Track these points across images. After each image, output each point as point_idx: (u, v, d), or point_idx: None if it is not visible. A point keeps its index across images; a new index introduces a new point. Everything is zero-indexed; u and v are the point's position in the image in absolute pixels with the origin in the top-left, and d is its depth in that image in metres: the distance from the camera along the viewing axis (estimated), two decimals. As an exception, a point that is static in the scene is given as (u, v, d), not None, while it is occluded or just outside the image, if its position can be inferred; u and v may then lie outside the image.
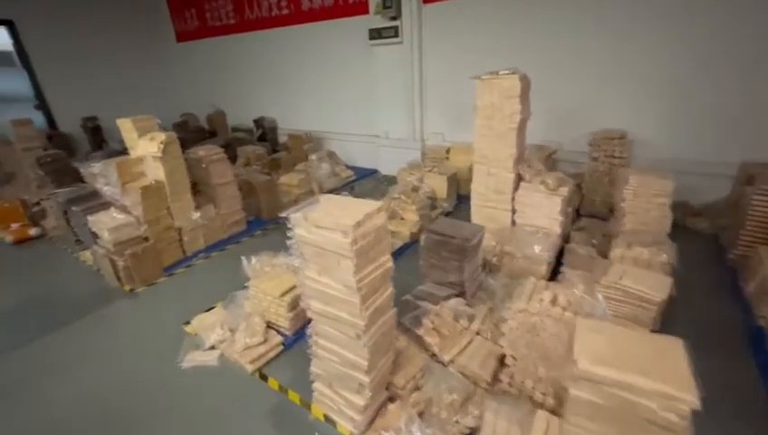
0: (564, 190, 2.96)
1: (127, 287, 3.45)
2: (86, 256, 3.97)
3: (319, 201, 1.76)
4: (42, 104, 7.22)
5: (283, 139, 7.62)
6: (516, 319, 2.05)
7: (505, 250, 3.01)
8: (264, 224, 4.63)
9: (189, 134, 6.90)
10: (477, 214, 3.34)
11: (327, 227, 1.58)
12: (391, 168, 6.13)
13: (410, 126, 5.68)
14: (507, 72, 2.82)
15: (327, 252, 1.62)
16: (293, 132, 6.79)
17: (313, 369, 2.04)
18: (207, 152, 3.92)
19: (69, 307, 3.29)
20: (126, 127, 3.53)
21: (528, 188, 3.04)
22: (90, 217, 3.37)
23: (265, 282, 2.70)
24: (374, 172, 6.44)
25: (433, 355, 2.28)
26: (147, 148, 3.39)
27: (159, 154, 3.35)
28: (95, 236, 3.39)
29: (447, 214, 4.48)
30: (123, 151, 4.20)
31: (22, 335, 2.97)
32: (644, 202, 3.01)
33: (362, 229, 1.57)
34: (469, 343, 2.31)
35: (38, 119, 7.20)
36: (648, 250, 2.71)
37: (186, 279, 3.60)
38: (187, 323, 2.94)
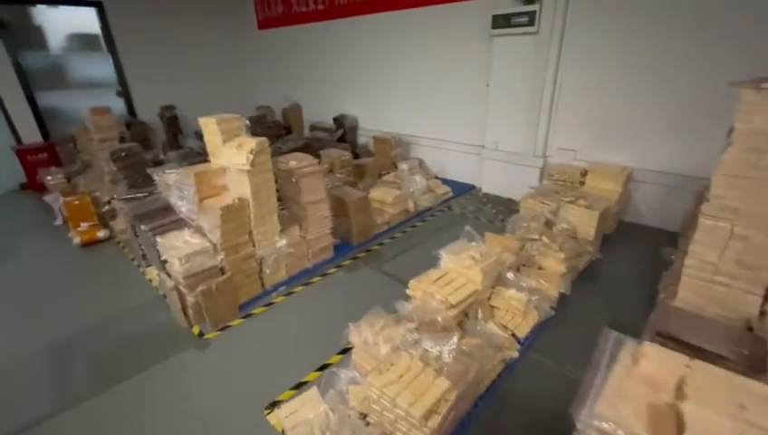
0: None
1: (196, 330, 2.76)
2: (152, 274, 3.37)
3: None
4: (124, 91, 6.99)
5: (362, 140, 6.85)
6: None
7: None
8: (353, 249, 3.80)
9: (267, 130, 6.31)
10: (690, 289, 2.23)
11: None
12: (495, 185, 5.09)
13: (530, 138, 4.57)
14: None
15: None
16: (379, 134, 5.94)
17: None
18: (299, 163, 3.13)
19: (128, 345, 2.65)
20: (209, 128, 2.82)
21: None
22: (159, 239, 2.71)
23: (391, 385, 1.81)
24: (471, 188, 5.41)
25: None
26: (232, 157, 2.65)
27: (248, 167, 2.60)
28: (164, 261, 2.73)
29: (593, 265, 3.37)
30: (200, 153, 3.56)
31: (71, 387, 2.35)
32: None
33: None
34: None
35: (119, 106, 6.99)
36: None
37: (265, 325, 2.85)
38: (271, 407, 2.14)
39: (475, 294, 2.58)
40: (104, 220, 4.38)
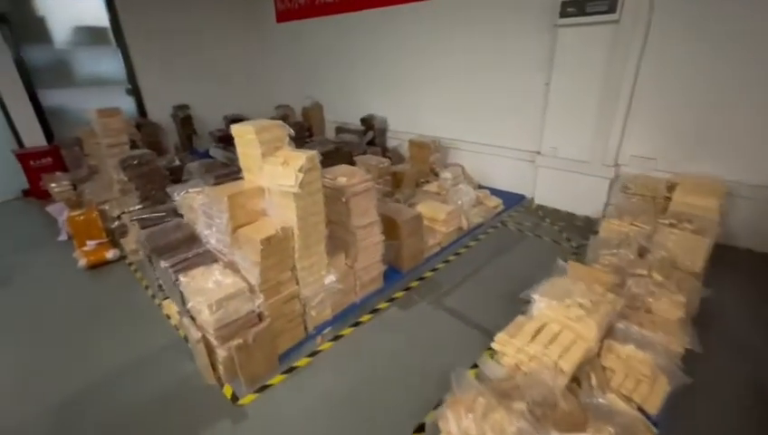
0: None
1: (228, 391, 2.21)
2: (171, 309, 2.84)
3: None
4: (134, 88, 6.46)
5: (392, 143, 6.27)
6: None
7: None
8: (402, 277, 3.23)
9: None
10: None
11: None
12: (552, 197, 4.50)
13: (599, 144, 3.96)
14: None
15: None
16: (415, 137, 5.35)
17: None
18: (350, 179, 2.56)
19: (144, 412, 2.11)
20: (245, 139, 2.25)
21: None
22: (183, 279, 2.16)
23: None
24: (521, 199, 4.82)
25: None
26: (277, 177, 2.08)
27: (296, 189, 2.03)
28: (188, 302, 2.18)
29: (703, 304, 2.76)
30: (226, 164, 3.01)
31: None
32: None
33: None
34: None
35: (129, 105, 6.46)
36: None
37: (312, 383, 2.29)
38: None
39: (588, 354, 2.01)
40: (113, 237, 3.85)
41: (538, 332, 2.08)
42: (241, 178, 2.81)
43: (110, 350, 2.59)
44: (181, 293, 2.18)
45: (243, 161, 2.37)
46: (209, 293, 2.08)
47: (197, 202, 2.28)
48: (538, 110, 4.39)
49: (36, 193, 5.47)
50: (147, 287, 3.27)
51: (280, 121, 2.28)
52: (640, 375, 2.05)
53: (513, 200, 4.71)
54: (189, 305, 2.04)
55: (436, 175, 5.05)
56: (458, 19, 4.85)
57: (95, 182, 4.89)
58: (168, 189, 2.59)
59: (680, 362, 2.22)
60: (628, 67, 3.59)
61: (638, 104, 3.72)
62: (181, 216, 2.75)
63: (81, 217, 3.66)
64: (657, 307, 2.44)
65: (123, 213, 3.81)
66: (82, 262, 3.53)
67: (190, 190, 2.46)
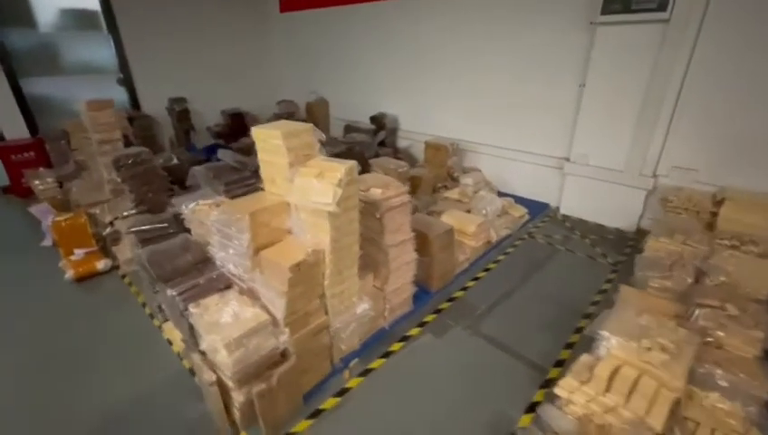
0: None
1: (245, 442, 1.88)
2: (173, 334, 2.48)
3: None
4: (126, 78, 5.99)
5: (402, 144, 5.94)
6: None
7: None
8: (431, 297, 2.92)
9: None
10: None
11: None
12: (580, 207, 4.24)
13: (636, 152, 3.69)
14: None
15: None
16: (431, 139, 5.02)
17: None
18: (385, 191, 2.23)
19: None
20: (269, 144, 1.89)
21: None
22: (194, 310, 1.81)
23: None
24: (544, 208, 4.54)
25: None
26: (311, 192, 1.74)
27: (333, 208, 1.69)
28: (201, 340, 1.83)
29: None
30: (237, 168, 2.65)
31: None
32: None
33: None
34: None
35: (120, 96, 6.00)
36: None
37: (343, 431, 1.96)
38: None
39: (675, 407, 1.73)
40: (104, 245, 3.46)
41: (611, 376, 1.79)
42: (254, 185, 2.48)
43: (100, 386, 2.23)
44: (191, 326, 1.83)
45: (265, 170, 2.02)
46: (226, 328, 1.74)
47: (211, 218, 1.93)
48: (568, 113, 4.10)
49: (17, 190, 5.03)
50: (143, 305, 2.90)
51: (310, 125, 1.93)
52: (730, 431, 1.77)
53: (536, 209, 4.43)
54: (204, 346, 1.69)
55: (454, 180, 4.75)
56: (481, 13, 4.52)
57: (83, 180, 4.47)
58: (174, 200, 2.22)
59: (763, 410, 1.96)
60: (676, 70, 3.31)
61: (682, 111, 3.45)
62: (185, 228, 2.39)
63: (68, 222, 3.26)
64: (728, 343, 2.17)
65: (116, 218, 3.43)
66: (70, 274, 3.14)
67: (201, 202, 2.10)
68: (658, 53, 3.32)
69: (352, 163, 1.80)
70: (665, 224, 3.15)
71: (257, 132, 1.92)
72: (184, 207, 2.13)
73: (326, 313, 2.05)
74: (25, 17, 5.15)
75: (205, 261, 1.96)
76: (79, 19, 5.53)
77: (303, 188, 1.75)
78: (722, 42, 3.14)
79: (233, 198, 2.41)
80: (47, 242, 3.78)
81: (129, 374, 2.30)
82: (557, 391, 1.84)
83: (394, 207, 2.25)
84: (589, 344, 2.31)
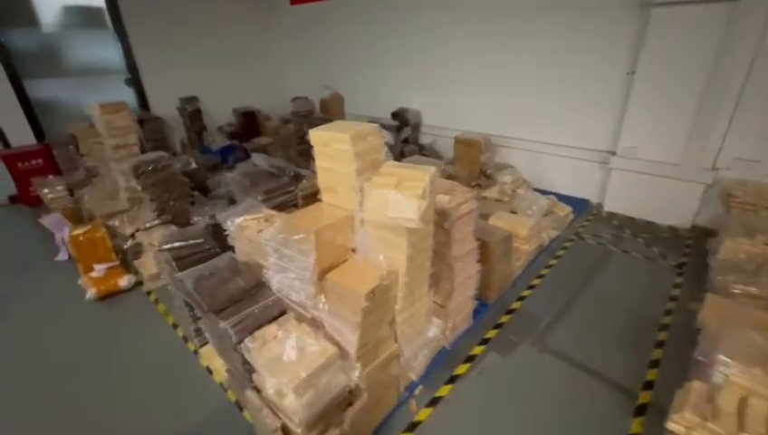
0: None
1: (314, 494, 1.63)
2: (213, 361, 2.24)
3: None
4: (134, 79, 5.71)
5: (425, 140, 5.66)
6: None
7: None
8: (488, 309, 2.67)
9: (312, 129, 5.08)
10: None
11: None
12: (626, 203, 4.01)
13: (695, 144, 3.42)
14: None
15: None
16: (461, 134, 4.74)
17: None
18: (452, 199, 1.97)
19: None
20: (333, 148, 1.62)
21: None
22: (250, 344, 1.55)
23: None
24: (585, 204, 4.27)
25: None
26: (389, 206, 1.48)
27: (416, 223, 1.43)
28: (266, 382, 1.58)
29: None
30: (274, 175, 2.38)
31: None
32: None
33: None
34: None
35: (129, 97, 5.72)
36: None
37: (422, 475, 1.72)
38: None
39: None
40: (125, 258, 3.21)
41: (736, 404, 1.54)
42: (294, 193, 2.22)
43: (138, 425, 1.99)
44: (246, 361, 1.58)
45: (323, 178, 1.75)
46: (290, 367, 1.49)
47: (265, 237, 1.66)
48: (614, 104, 3.82)
49: (26, 199, 4.77)
50: (174, 326, 2.65)
51: (375, 125, 1.67)
52: None
53: (578, 207, 4.15)
54: (270, 392, 1.44)
55: (488, 177, 4.48)
56: (515, -1, 4.22)
57: (95, 188, 4.22)
58: (219, 217, 1.96)
59: None
60: (743, 55, 3.03)
61: (747, 99, 3.17)
62: (222, 242, 2.13)
63: (86, 236, 3.01)
64: None
65: (138, 230, 3.18)
66: (91, 292, 2.89)
67: (248, 217, 1.84)
68: (724, 38, 3.03)
69: (434, 170, 1.53)
70: (737, 222, 2.89)
71: (317, 136, 1.66)
72: (229, 222, 1.86)
73: (395, 340, 1.80)
74: (28, 17, 4.86)
75: (258, 286, 1.71)
76: (83, 17, 5.24)
77: (382, 200, 1.48)
78: (797, 21, 2.86)
79: (274, 208, 2.16)
80: (62, 256, 3.54)
81: (168, 408, 2.06)
82: (672, 426, 1.59)
83: (463, 215, 1.99)
84: (676, 364, 2.08)
